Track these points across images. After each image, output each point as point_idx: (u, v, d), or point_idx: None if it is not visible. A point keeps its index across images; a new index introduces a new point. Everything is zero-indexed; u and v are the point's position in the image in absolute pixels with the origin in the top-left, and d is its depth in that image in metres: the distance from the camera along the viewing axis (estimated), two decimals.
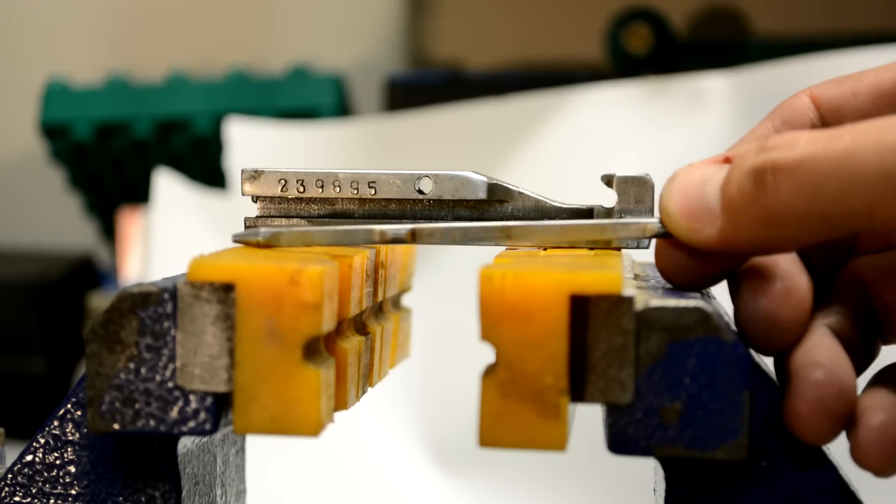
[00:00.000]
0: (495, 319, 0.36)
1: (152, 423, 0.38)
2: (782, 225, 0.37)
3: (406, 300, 0.53)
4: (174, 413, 0.38)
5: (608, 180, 0.43)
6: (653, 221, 0.41)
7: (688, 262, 0.40)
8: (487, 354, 0.37)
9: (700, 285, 0.41)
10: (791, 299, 0.39)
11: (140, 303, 0.38)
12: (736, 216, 0.38)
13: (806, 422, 0.37)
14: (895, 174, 0.35)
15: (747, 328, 0.39)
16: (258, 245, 0.42)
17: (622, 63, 0.98)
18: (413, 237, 0.42)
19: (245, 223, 0.44)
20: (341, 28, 1.29)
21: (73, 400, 0.40)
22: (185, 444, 0.41)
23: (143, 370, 0.38)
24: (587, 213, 0.43)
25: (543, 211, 0.44)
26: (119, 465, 0.40)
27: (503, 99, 0.91)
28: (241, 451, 0.47)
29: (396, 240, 0.42)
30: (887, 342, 0.43)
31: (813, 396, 0.37)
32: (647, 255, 0.45)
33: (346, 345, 0.41)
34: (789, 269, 0.39)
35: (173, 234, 0.92)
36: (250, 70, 1.12)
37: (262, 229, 0.43)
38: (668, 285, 0.41)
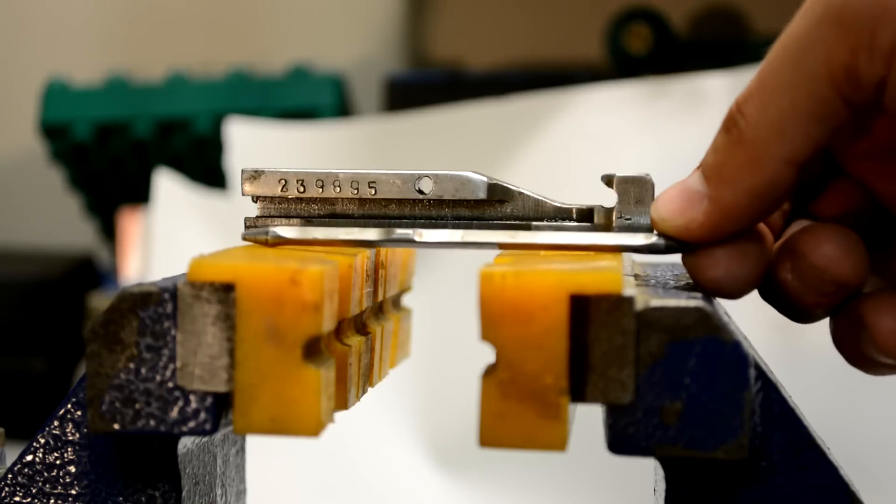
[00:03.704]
0: (495, 319, 0.36)
1: (152, 423, 0.38)
2: (765, 146, 0.37)
3: (406, 300, 0.53)
4: (174, 413, 0.38)
5: (608, 180, 0.43)
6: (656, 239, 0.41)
7: (727, 264, 0.40)
8: (487, 354, 0.37)
9: (748, 286, 0.40)
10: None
11: (140, 303, 0.38)
12: (721, 171, 0.38)
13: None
14: (829, 17, 0.35)
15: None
16: (267, 244, 0.42)
17: (622, 63, 0.98)
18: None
19: (245, 223, 0.44)
20: (341, 28, 1.29)
21: (73, 400, 0.40)
22: (185, 444, 0.41)
23: (143, 370, 0.38)
24: (587, 213, 0.43)
25: (543, 211, 0.43)
26: (119, 465, 0.40)
27: (503, 99, 0.91)
28: (241, 451, 0.47)
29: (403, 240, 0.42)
30: None
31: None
32: (647, 255, 0.45)
33: (346, 345, 0.41)
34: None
35: (173, 234, 0.92)
36: (250, 70, 1.12)
37: (272, 229, 0.43)
38: (669, 285, 0.41)
